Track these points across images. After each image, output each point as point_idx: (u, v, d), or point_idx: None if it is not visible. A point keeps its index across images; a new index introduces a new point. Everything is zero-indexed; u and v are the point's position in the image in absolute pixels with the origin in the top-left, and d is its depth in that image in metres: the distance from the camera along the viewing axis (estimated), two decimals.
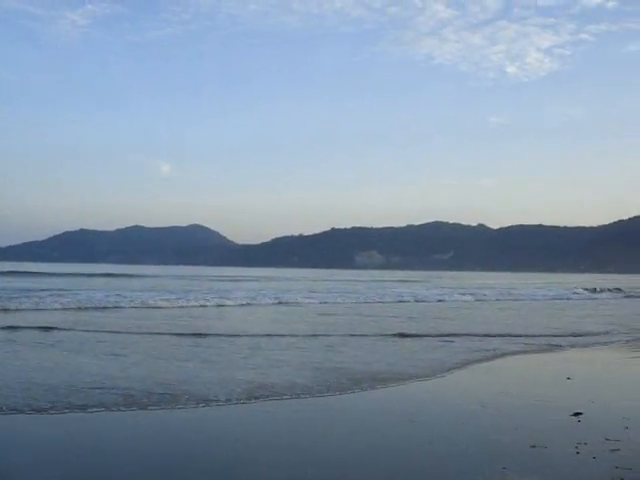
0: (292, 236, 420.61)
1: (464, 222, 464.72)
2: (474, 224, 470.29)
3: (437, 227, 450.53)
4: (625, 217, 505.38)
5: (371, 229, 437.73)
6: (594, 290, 49.41)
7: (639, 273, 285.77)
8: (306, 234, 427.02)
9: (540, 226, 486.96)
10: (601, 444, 6.26)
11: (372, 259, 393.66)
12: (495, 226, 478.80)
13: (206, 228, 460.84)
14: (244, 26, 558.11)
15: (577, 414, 7.52)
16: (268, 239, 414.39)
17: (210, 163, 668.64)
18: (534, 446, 6.25)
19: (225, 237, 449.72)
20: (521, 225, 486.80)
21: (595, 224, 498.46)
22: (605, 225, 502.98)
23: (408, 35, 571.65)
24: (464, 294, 39.81)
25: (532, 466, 5.72)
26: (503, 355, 12.98)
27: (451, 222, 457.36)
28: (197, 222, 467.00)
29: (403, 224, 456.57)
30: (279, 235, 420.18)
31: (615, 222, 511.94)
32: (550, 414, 7.71)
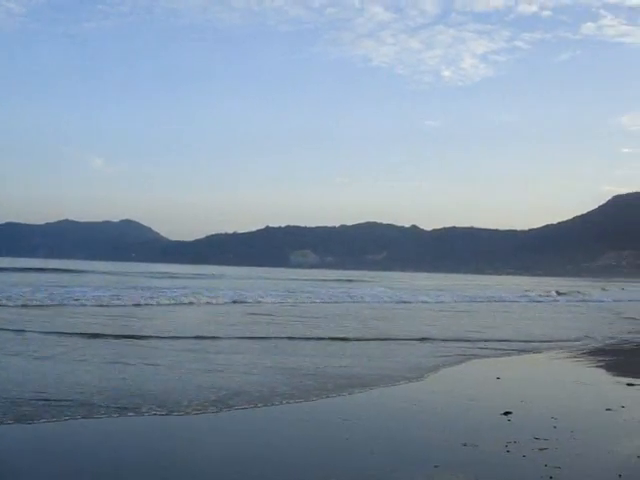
0: (226, 233, 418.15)
1: (398, 223, 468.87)
2: (407, 225, 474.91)
3: (371, 228, 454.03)
4: (554, 221, 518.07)
5: (305, 228, 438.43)
6: (559, 293, 50.17)
7: (566, 276, 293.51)
8: (240, 232, 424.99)
9: (472, 228, 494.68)
10: (530, 443, 6.36)
11: (306, 258, 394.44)
12: (428, 228, 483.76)
13: (138, 224, 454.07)
14: (182, 20, 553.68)
15: (507, 413, 7.63)
16: (202, 236, 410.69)
17: (143, 158, 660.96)
18: (465, 444, 6.31)
19: (158, 233, 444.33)
20: (453, 227, 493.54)
21: (525, 227, 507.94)
22: (535, 229, 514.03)
23: (346, 36, 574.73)
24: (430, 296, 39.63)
25: (463, 464, 5.79)
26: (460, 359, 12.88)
27: (385, 223, 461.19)
28: (129, 217, 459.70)
29: (337, 224, 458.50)
30: (213, 232, 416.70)
31: (544, 226, 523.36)
32: (482, 413, 7.81)
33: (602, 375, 11.21)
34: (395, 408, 8.24)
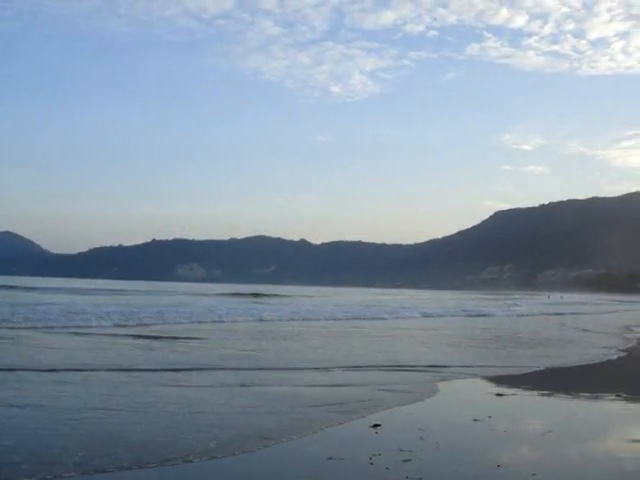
0: (111, 247, 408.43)
1: (287, 237, 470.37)
2: (297, 239, 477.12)
3: (260, 241, 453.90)
4: (439, 236, 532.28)
5: (193, 241, 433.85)
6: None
7: (452, 289, 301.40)
8: (126, 245, 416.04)
9: (359, 242, 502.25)
10: (395, 455, 6.33)
11: (194, 272, 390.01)
12: (317, 241, 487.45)
13: (18, 236, 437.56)
14: (67, 27, 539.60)
15: (376, 426, 7.61)
16: (85, 249, 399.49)
17: (23, 168, 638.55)
18: (331, 458, 6.23)
19: (39, 246, 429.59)
20: (342, 241, 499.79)
21: (411, 242, 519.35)
22: (420, 243, 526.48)
23: (237, 49, 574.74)
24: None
25: (327, 477, 5.72)
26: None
27: (274, 237, 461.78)
28: (9, 229, 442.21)
29: (226, 237, 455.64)
30: (98, 245, 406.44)
31: (429, 240, 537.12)
32: (351, 426, 7.75)
33: (474, 385, 11.37)
34: (265, 420, 8.09)
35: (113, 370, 11.46)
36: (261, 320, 28.34)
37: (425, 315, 38.11)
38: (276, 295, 65.50)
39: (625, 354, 16.87)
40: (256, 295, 67.71)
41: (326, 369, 12.48)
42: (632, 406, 9.46)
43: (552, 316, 42.26)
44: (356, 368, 12.84)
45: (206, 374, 11.43)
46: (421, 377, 11.69)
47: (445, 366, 13.25)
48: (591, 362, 15.12)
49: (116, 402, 8.60)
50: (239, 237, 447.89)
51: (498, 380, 11.67)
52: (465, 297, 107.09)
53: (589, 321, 35.75)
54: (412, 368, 12.80)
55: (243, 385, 10.31)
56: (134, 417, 7.81)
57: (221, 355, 14.73)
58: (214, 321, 26.89)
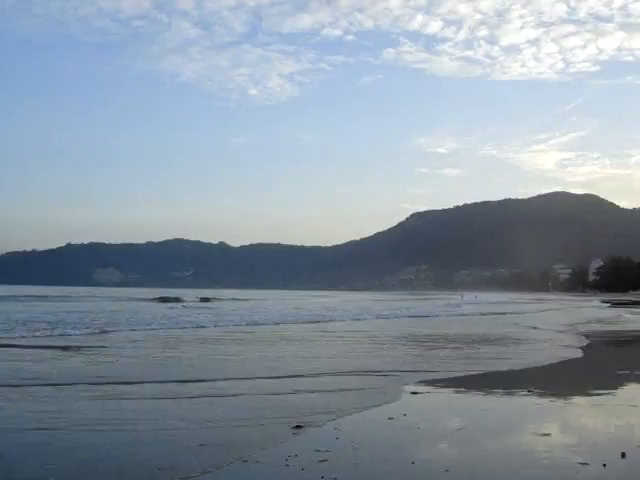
0: (24, 251, 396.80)
1: (205, 240, 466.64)
2: (215, 242, 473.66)
3: (178, 244, 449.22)
4: (357, 237, 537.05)
5: (110, 245, 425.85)
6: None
7: (371, 290, 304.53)
8: (40, 249, 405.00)
9: (279, 245, 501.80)
10: (311, 455, 6.35)
11: (111, 276, 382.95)
12: (236, 244, 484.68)
13: None
14: None
15: (298, 427, 7.61)
16: None
17: None
18: (246, 461, 6.21)
19: None
20: (261, 243, 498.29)
21: (330, 244, 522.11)
22: (339, 245, 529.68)
23: (153, 50, 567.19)
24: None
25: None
26: None
27: (193, 240, 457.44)
28: None
29: (143, 241, 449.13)
30: (9, 250, 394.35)
31: (348, 242, 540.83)
32: (271, 428, 7.71)
33: (389, 383, 11.47)
34: (188, 423, 7.99)
35: (40, 385, 10.82)
36: (200, 327, 26.88)
37: (379, 317, 38.57)
38: (216, 299, 65.28)
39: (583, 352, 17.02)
40: (205, 299, 67.66)
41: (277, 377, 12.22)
42: (541, 400, 9.71)
43: (497, 315, 42.96)
44: (317, 375, 12.66)
45: (150, 386, 10.97)
46: (358, 380, 11.65)
47: (396, 371, 13.26)
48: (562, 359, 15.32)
49: (56, 420, 7.94)
50: (156, 240, 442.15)
51: (428, 382, 11.68)
52: (393, 298, 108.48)
53: (537, 320, 36.21)
54: (359, 373, 12.68)
55: (194, 397, 9.95)
56: (88, 437, 7.30)
57: (159, 364, 14.35)
58: (151, 328, 25.52)
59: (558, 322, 33.08)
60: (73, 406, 8.97)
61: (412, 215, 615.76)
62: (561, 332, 24.97)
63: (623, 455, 6.26)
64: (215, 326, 27.16)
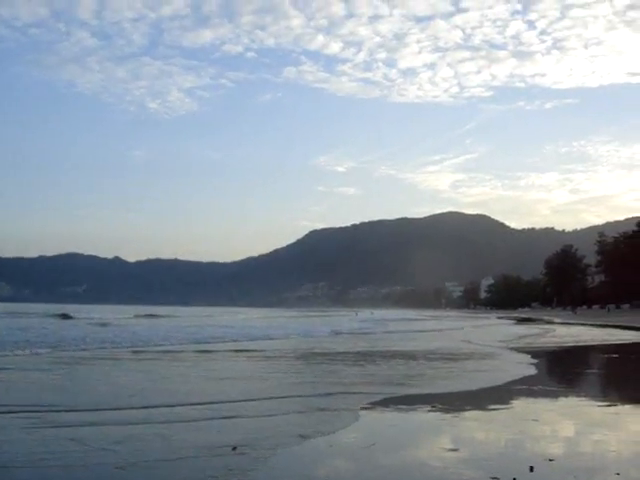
0: None
1: (100, 254, 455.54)
2: (110, 257, 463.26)
3: (72, 259, 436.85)
4: (255, 254, 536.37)
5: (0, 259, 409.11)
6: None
7: (271, 307, 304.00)
8: None
9: (176, 260, 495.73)
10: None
11: (1, 291, 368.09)
12: (132, 259, 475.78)
13: None
14: None
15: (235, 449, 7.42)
16: None
17: None
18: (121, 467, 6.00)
19: None
20: (157, 259, 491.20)
21: (228, 260, 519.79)
22: (237, 261, 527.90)
23: (50, 59, 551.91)
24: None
25: None
26: None
27: (87, 254, 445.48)
28: None
29: (35, 254, 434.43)
30: None
31: (246, 258, 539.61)
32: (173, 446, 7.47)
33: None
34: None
35: None
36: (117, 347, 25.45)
37: (307, 335, 37.56)
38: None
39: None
40: (139, 316, 66.03)
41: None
42: (446, 416, 9.82)
43: (430, 333, 43.43)
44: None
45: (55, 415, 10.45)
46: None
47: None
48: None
49: None
50: (49, 254, 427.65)
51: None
52: (298, 314, 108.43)
53: (472, 336, 36.51)
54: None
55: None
56: None
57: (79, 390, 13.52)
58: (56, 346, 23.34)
59: (489, 339, 32.86)
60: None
61: (310, 232, 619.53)
62: (503, 349, 25.24)
63: (531, 469, 6.37)
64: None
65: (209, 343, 27.34)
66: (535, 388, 13.14)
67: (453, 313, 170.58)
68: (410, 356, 21.44)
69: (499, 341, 30.40)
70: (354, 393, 11.74)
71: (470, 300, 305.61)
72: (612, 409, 10.57)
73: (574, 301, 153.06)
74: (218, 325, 47.47)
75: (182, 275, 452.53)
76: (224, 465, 6.48)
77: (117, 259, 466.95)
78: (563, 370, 19.29)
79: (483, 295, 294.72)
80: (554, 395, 12.34)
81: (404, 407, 10.58)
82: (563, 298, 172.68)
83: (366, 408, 10.26)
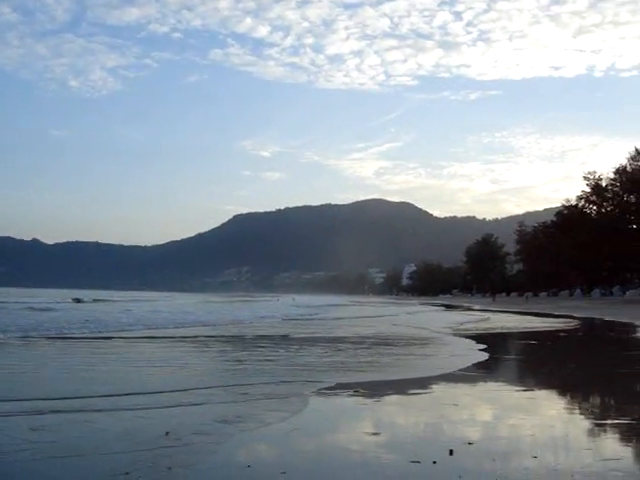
0: None
1: (17, 236, 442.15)
2: (28, 238, 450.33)
3: None
4: (178, 238, 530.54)
5: None
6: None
7: (192, 291, 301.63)
8: None
9: (96, 243, 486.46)
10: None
11: None
12: (51, 241, 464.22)
13: None
14: None
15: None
16: None
17: None
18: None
19: None
20: (77, 241, 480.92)
21: (149, 243, 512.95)
22: (159, 245, 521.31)
23: None
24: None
25: None
26: None
27: (3, 235, 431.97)
28: None
29: None
30: None
31: (168, 242, 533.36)
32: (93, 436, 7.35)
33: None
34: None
35: None
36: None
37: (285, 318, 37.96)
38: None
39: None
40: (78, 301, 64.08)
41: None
42: (367, 401, 9.90)
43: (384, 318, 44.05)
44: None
45: None
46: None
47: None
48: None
49: None
50: None
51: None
52: (224, 300, 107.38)
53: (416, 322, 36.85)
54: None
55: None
56: None
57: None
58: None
59: (435, 326, 32.67)
60: None
61: (235, 217, 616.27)
62: (449, 334, 25.63)
63: (451, 452, 6.48)
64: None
65: (169, 329, 26.89)
66: (492, 372, 13.37)
67: (377, 299, 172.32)
68: (365, 342, 21.64)
69: (443, 327, 30.91)
70: (305, 382, 11.55)
71: (392, 286, 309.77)
72: (528, 393, 10.86)
73: (493, 289, 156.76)
74: (166, 311, 46.34)
75: (103, 258, 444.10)
76: (153, 455, 6.41)
77: (35, 241, 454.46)
78: (508, 355, 19.76)
79: (405, 282, 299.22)
80: (493, 379, 12.57)
81: (360, 393, 10.59)
82: (483, 285, 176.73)
83: (313, 395, 10.15)
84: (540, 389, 11.83)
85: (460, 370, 13.41)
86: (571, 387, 12.23)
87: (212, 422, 7.94)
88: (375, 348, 19.36)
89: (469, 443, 6.91)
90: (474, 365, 14.46)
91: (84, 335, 22.07)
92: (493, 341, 24.48)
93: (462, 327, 31.75)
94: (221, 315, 41.38)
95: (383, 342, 21.82)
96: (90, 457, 6.31)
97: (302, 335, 24.82)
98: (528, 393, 10.90)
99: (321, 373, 12.65)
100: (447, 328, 29.93)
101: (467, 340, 22.06)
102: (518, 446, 6.97)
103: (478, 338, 22.90)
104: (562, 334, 28.90)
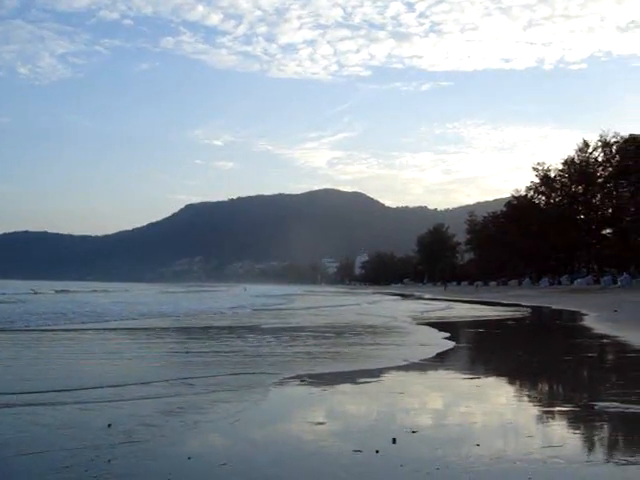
0: None
1: None
2: None
3: None
4: (129, 227, 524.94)
5: None
6: None
7: (143, 282, 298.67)
8: None
9: (45, 233, 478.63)
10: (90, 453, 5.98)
11: None
12: None
13: None
14: None
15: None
16: None
17: None
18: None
19: None
20: (25, 231, 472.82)
21: (100, 233, 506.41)
22: (109, 235, 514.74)
23: None
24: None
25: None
26: None
27: None
28: None
29: None
30: None
31: (119, 232, 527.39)
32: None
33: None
34: None
35: None
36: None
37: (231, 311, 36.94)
38: None
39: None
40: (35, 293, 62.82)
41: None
42: (315, 390, 9.87)
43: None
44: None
45: None
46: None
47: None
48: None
49: None
50: None
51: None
52: (183, 290, 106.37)
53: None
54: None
55: None
56: None
57: None
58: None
59: (399, 315, 33.22)
60: None
61: (187, 206, 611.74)
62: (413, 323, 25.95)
63: (394, 441, 6.47)
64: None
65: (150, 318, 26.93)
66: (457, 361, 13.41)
67: (330, 289, 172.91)
68: (336, 331, 21.83)
69: (407, 316, 31.21)
70: (264, 373, 11.37)
71: (345, 276, 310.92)
72: (477, 381, 10.93)
73: (444, 277, 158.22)
74: (136, 302, 45.86)
75: (52, 248, 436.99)
76: (94, 447, 6.28)
77: None
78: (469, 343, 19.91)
79: (358, 271, 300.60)
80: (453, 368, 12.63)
81: (322, 381, 10.52)
82: (434, 275, 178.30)
83: (268, 387, 10.00)
84: (488, 376, 11.92)
85: (423, 360, 13.46)
86: (519, 374, 12.36)
87: (157, 414, 7.82)
88: (343, 337, 19.47)
89: (413, 432, 6.92)
90: (439, 354, 14.58)
91: (51, 328, 21.72)
92: (455, 330, 24.68)
93: (423, 316, 32.13)
94: (188, 306, 41.43)
95: (350, 331, 21.77)
96: (30, 452, 6.17)
97: (274, 325, 24.73)
98: (477, 381, 10.96)
99: (284, 364, 12.54)
100: (409, 317, 30.28)
101: (432, 329, 22.44)
102: (462, 434, 7.00)
103: (440, 326, 23.24)
104: (511, 322, 29.27)
